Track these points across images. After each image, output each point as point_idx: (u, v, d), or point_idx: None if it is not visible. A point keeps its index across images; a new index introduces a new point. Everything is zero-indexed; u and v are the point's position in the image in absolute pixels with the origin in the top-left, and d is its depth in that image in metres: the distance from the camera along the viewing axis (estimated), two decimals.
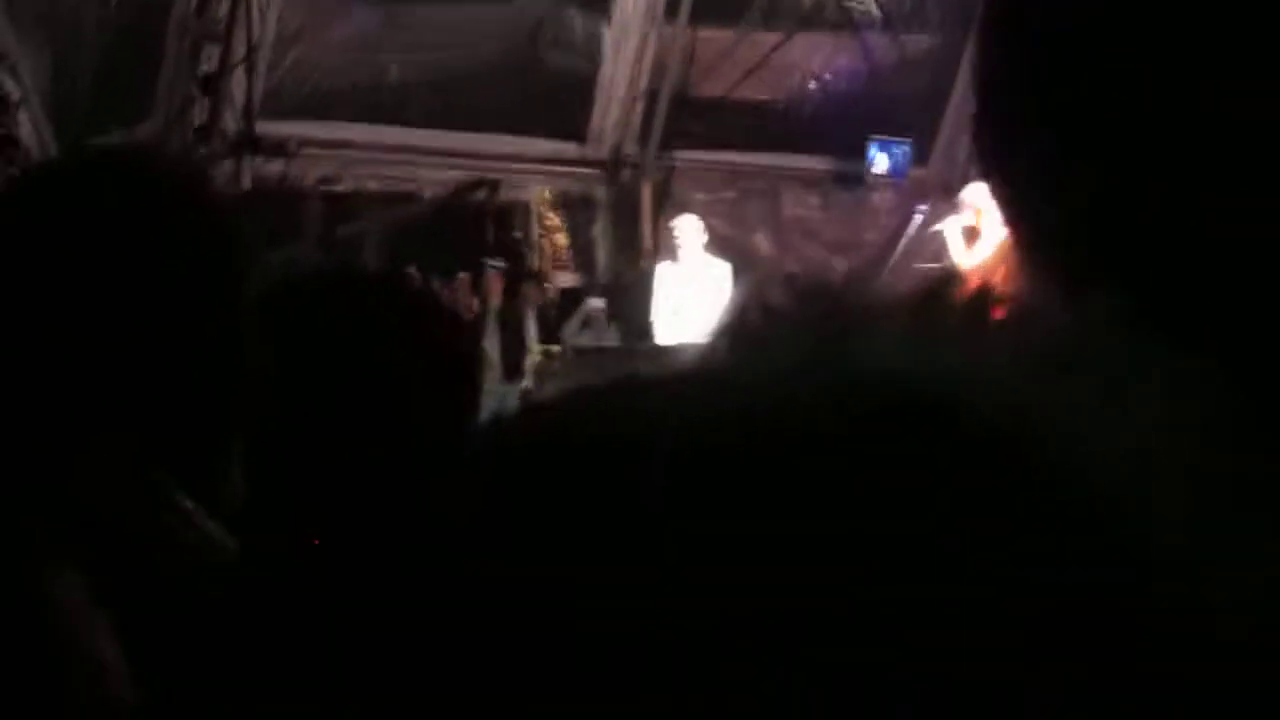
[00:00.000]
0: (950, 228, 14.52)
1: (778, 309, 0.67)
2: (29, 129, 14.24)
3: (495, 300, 15.96)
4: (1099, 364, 0.63)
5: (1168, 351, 0.66)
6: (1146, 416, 0.59)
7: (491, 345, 15.32)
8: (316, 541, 2.24)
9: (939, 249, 15.34)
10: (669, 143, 17.81)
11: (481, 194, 16.33)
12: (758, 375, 0.62)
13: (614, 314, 16.45)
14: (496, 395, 14.58)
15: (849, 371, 0.60)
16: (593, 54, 17.63)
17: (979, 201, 14.26)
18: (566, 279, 17.64)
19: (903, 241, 16.26)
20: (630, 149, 17.91)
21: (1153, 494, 0.56)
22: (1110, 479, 0.56)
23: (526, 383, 15.24)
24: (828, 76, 18.77)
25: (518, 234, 17.27)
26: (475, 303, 15.73)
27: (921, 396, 0.58)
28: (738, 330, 0.67)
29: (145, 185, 2.18)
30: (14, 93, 14.18)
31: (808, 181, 18.85)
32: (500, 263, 16.46)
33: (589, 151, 17.85)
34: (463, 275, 15.84)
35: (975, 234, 14.35)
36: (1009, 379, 0.61)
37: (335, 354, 2.51)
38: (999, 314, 0.69)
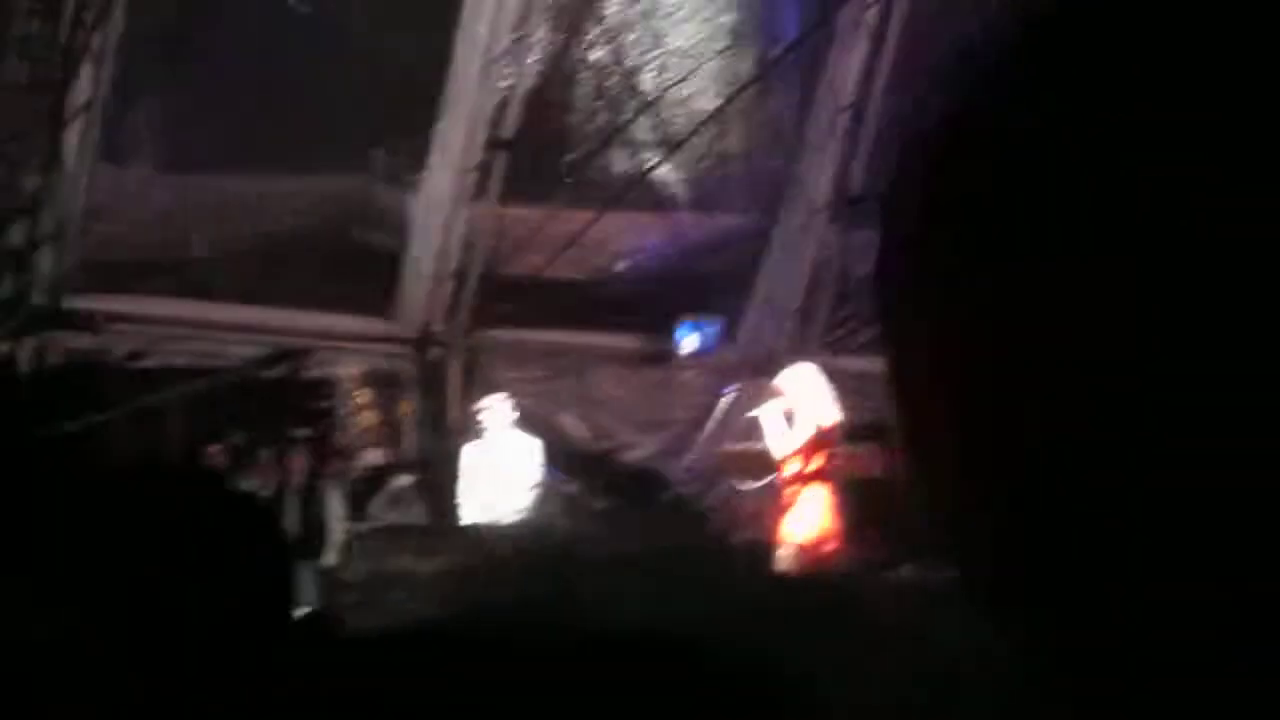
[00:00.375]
0: (768, 413, 14.60)
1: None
2: None
3: (298, 477, 15.80)
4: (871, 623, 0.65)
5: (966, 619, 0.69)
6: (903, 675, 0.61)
7: (292, 523, 15.17)
8: None
9: (747, 428, 15.43)
10: (478, 320, 17.83)
11: (287, 367, 16.23)
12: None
13: (422, 492, 16.37)
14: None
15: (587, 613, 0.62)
16: (401, 230, 17.66)
17: (795, 387, 14.39)
18: (375, 456, 17.55)
19: (711, 421, 16.34)
20: (439, 326, 17.91)
21: None
22: None
23: (330, 560, 15.07)
24: (637, 255, 18.93)
25: (325, 408, 17.17)
26: (278, 480, 15.58)
27: (672, 643, 0.60)
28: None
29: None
30: None
31: (617, 359, 18.94)
32: (306, 433, 16.33)
33: (397, 329, 17.84)
34: (265, 452, 15.70)
35: (792, 419, 14.44)
36: (767, 632, 0.63)
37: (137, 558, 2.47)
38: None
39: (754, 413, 14.97)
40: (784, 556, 15.05)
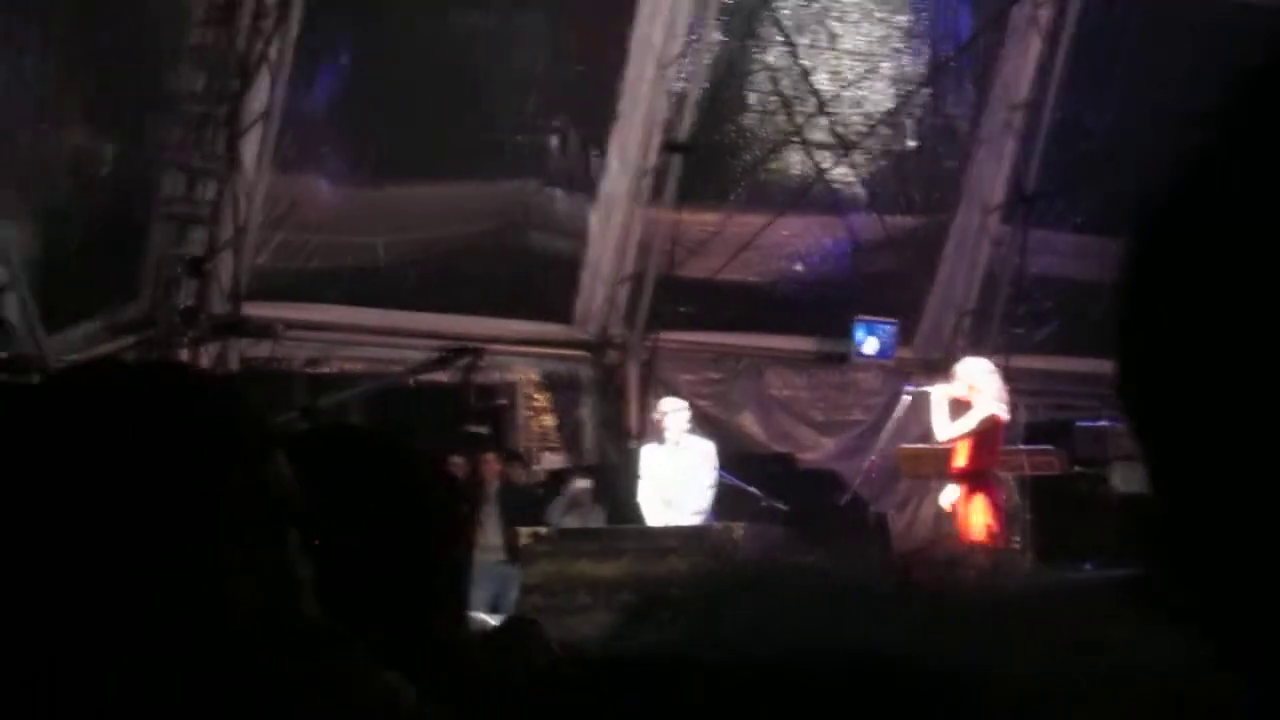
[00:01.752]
0: (938, 394, 14.57)
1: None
2: (16, 311, 14.23)
3: (493, 481, 15.88)
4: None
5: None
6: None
7: (493, 528, 15.27)
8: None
9: (925, 430, 15.36)
10: (654, 324, 17.85)
11: (463, 368, 16.28)
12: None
13: (600, 495, 16.39)
14: (496, 577, 14.50)
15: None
16: (578, 235, 17.72)
17: (971, 377, 14.34)
18: (553, 459, 17.62)
19: (891, 422, 16.27)
20: (616, 330, 17.97)
21: None
22: None
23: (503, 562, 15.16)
24: (813, 257, 18.90)
25: (503, 412, 17.24)
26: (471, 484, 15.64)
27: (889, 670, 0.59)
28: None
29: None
30: (1, 275, 14.19)
31: (793, 362, 18.93)
32: (486, 433, 16.38)
33: (575, 332, 17.91)
34: (457, 459, 15.77)
35: (960, 406, 14.40)
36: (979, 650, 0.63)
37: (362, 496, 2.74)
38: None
39: (926, 389, 14.95)
40: (955, 556, 14.91)
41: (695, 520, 14.69)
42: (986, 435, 14.33)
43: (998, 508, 14.39)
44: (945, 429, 14.49)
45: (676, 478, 14.95)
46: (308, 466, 2.30)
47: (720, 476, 15.12)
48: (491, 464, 15.90)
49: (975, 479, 14.33)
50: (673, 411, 15.34)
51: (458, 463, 15.52)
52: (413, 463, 2.90)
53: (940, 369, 16.76)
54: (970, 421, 14.28)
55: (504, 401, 17.40)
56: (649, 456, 15.33)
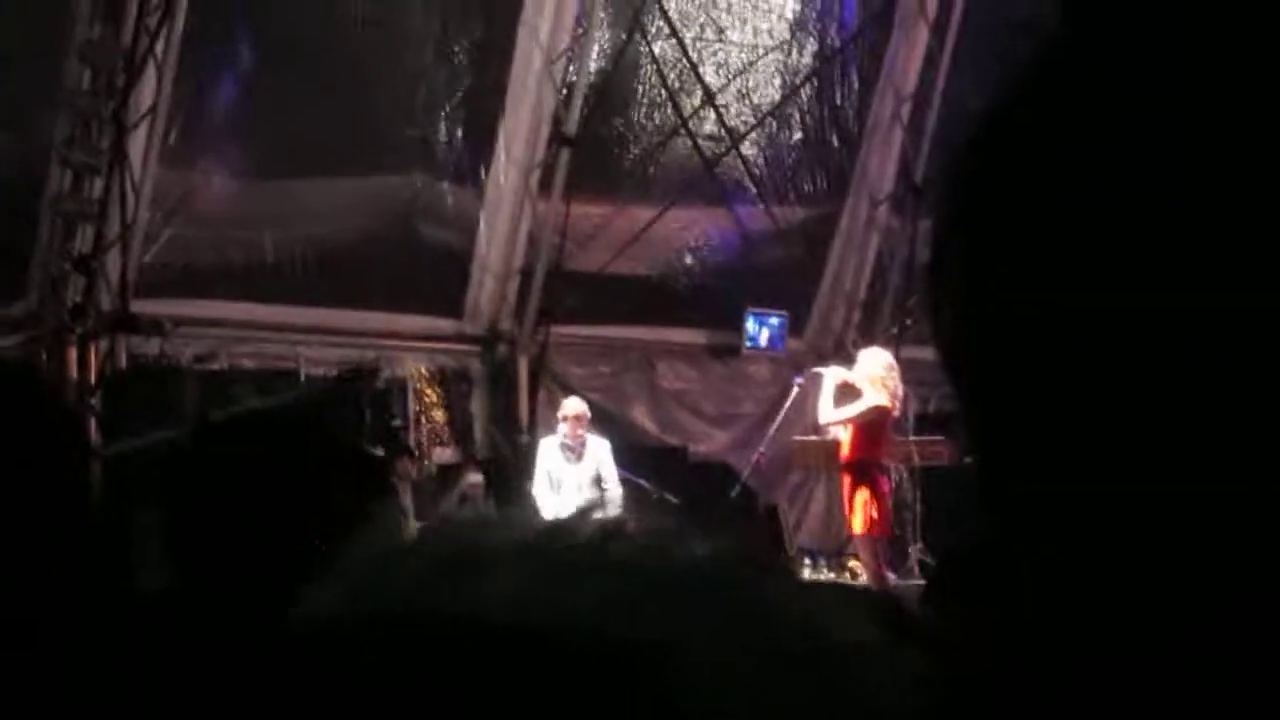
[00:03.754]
0: (830, 376, 14.71)
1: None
2: None
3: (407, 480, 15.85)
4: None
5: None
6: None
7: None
8: None
9: (815, 421, 15.47)
10: (545, 317, 17.84)
11: (360, 377, 16.24)
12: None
13: (491, 490, 16.40)
14: None
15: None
16: (467, 229, 17.69)
17: (870, 367, 14.45)
18: (444, 454, 17.59)
19: (781, 413, 16.35)
20: (506, 324, 17.94)
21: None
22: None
23: None
24: (703, 249, 18.95)
25: (394, 415, 17.16)
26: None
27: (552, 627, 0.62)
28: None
29: None
30: None
31: (684, 354, 18.98)
32: (401, 425, 16.39)
33: (465, 327, 17.87)
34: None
35: (852, 392, 14.50)
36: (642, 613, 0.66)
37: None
38: None
39: (819, 370, 15.08)
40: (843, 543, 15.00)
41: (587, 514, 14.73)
42: (873, 426, 14.44)
43: (882, 497, 14.49)
44: (829, 412, 14.62)
45: (573, 474, 15.02)
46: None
47: (614, 469, 15.20)
48: (406, 464, 15.89)
49: (861, 469, 14.43)
50: (574, 413, 15.38)
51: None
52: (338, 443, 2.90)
53: (831, 360, 16.87)
54: (855, 409, 14.38)
55: (395, 413, 17.27)
56: (546, 449, 15.37)
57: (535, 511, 14.72)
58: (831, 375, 14.79)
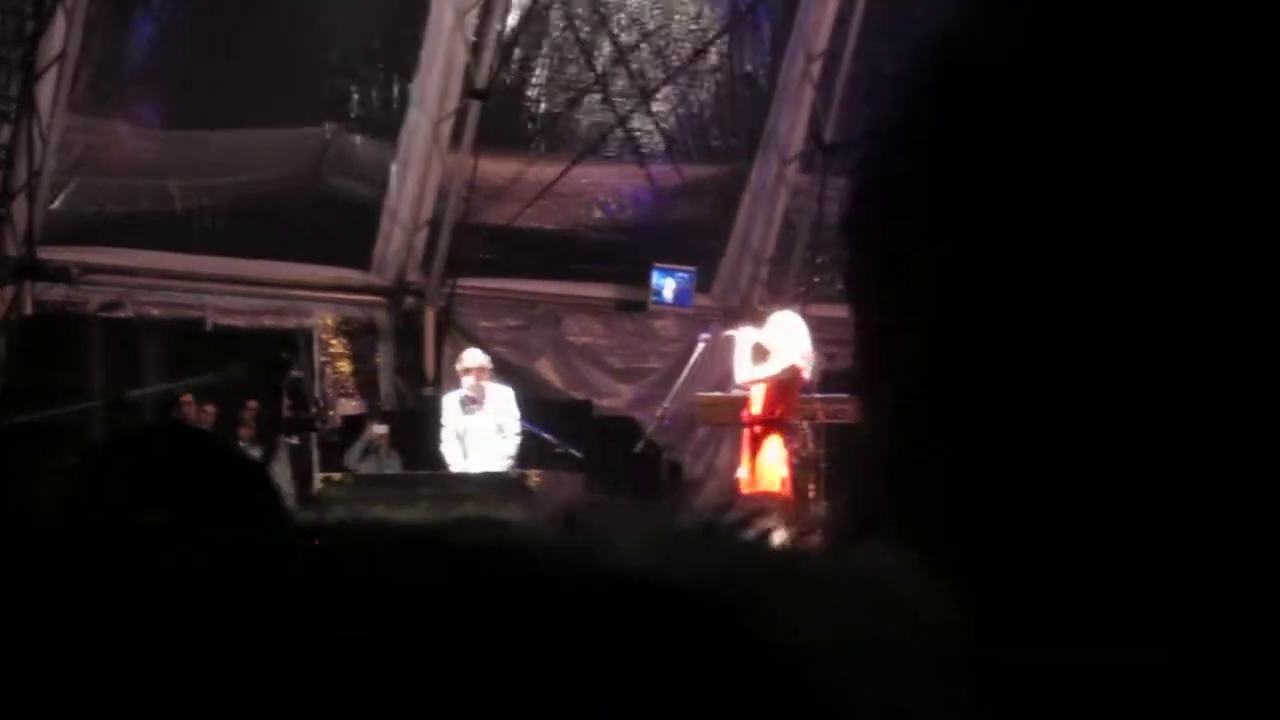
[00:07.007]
0: (743, 338, 14.72)
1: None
2: None
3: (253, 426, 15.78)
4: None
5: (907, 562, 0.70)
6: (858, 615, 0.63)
7: (283, 473, 15.21)
8: None
9: (723, 377, 15.50)
10: (453, 270, 17.85)
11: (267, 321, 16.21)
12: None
13: (397, 441, 16.42)
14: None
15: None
16: (378, 181, 17.67)
17: (781, 328, 14.48)
18: (349, 405, 17.59)
19: (687, 369, 16.37)
20: (414, 276, 17.94)
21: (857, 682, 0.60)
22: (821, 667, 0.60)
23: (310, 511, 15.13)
24: (612, 205, 18.98)
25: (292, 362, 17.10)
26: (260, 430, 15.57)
27: (664, 589, 0.61)
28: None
29: None
30: None
31: (592, 309, 19.00)
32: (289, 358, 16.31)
33: (373, 279, 17.86)
34: (253, 403, 15.68)
35: (763, 353, 14.53)
36: (744, 577, 0.65)
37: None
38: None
39: (731, 333, 15.10)
40: (741, 502, 15.01)
41: (503, 466, 14.77)
42: (785, 385, 14.46)
43: (791, 456, 14.55)
44: (746, 372, 14.64)
45: (477, 426, 15.02)
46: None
47: (520, 423, 15.20)
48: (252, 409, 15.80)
49: (769, 427, 14.48)
50: (474, 365, 15.37)
51: (252, 406, 15.52)
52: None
53: (738, 317, 16.91)
54: (772, 368, 14.40)
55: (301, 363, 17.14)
56: (450, 404, 15.37)
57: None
58: (745, 337, 14.82)
